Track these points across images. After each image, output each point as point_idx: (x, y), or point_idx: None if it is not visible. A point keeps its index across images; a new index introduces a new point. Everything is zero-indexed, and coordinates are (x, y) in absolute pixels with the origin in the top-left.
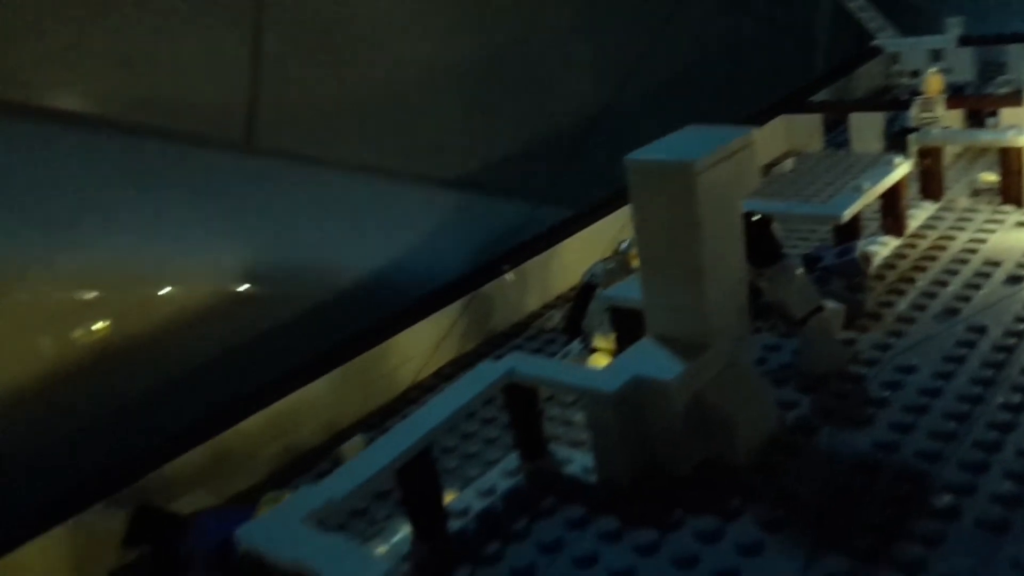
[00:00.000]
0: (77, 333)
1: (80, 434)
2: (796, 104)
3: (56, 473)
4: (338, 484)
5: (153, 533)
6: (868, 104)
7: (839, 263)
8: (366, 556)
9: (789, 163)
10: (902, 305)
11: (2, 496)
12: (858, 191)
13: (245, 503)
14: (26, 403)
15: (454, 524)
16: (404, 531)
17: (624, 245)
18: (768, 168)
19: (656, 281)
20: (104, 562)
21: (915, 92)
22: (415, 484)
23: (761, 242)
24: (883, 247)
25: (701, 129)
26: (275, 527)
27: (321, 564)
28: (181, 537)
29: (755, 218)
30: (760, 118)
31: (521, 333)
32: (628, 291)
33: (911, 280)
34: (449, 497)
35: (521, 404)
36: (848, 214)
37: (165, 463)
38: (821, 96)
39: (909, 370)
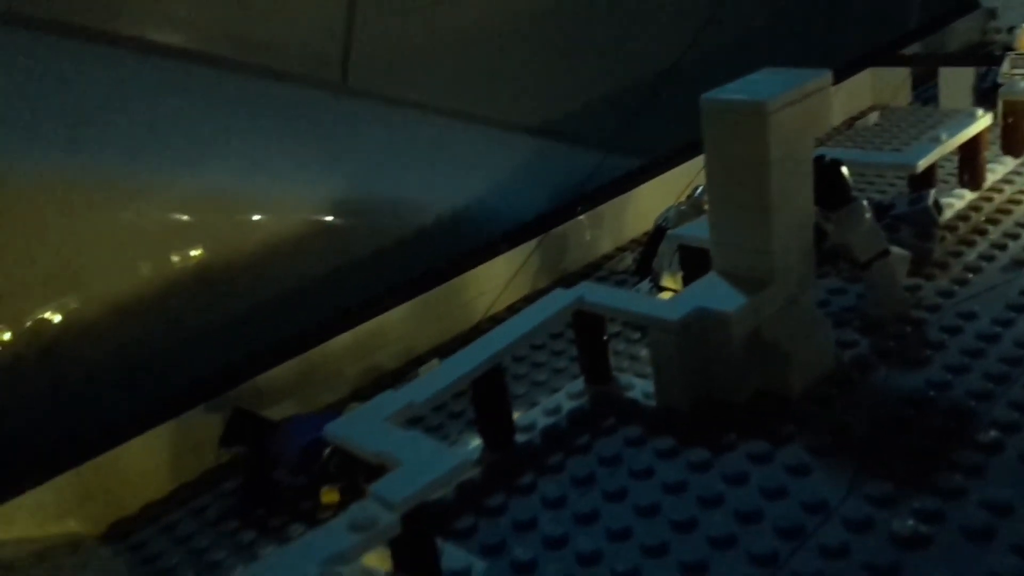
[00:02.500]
0: (180, 253)
1: (183, 345)
2: (885, 57)
3: (161, 378)
4: (417, 390)
5: (247, 435)
6: (959, 59)
7: (910, 211)
8: (443, 448)
9: (873, 116)
10: (971, 255)
11: (113, 396)
12: (935, 141)
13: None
14: (134, 315)
15: (521, 437)
16: (475, 443)
17: (699, 191)
18: (852, 121)
19: (724, 218)
20: (201, 459)
21: (1008, 48)
22: (487, 397)
23: (831, 185)
24: (959, 199)
25: (777, 71)
26: (360, 424)
27: (402, 455)
28: (272, 439)
29: (826, 161)
30: (847, 70)
31: (592, 273)
32: (696, 231)
33: (983, 232)
34: (517, 415)
35: (589, 331)
36: (923, 164)
37: (259, 374)
38: (912, 50)
39: (970, 316)
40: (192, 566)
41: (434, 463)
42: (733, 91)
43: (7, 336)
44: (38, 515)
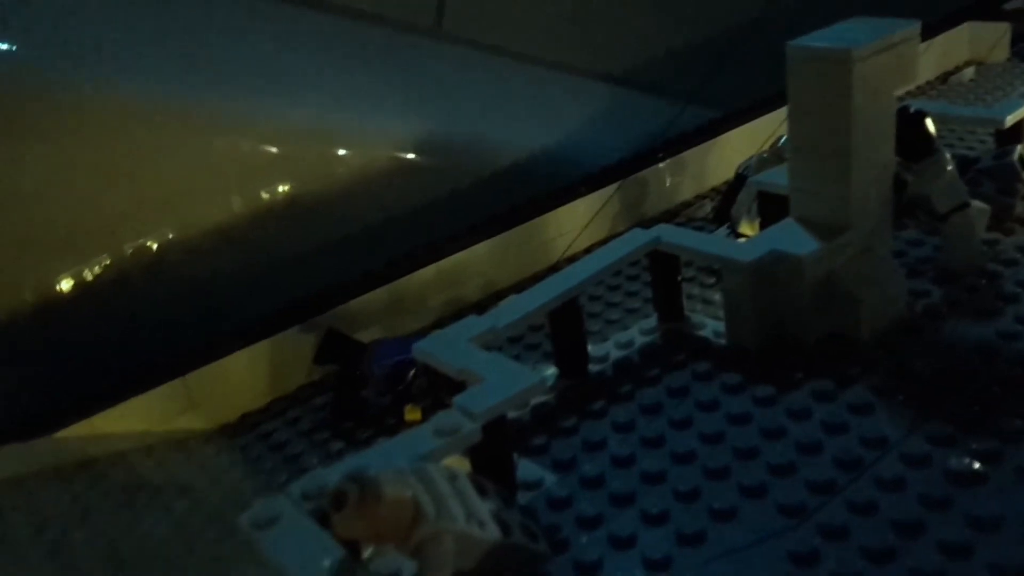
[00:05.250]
0: (271, 183)
1: (277, 270)
2: (984, 11)
3: (261, 300)
4: (500, 316)
5: (339, 354)
6: None
7: (993, 165)
8: (522, 368)
9: (969, 72)
10: None
11: (217, 315)
12: None
13: None
14: (230, 242)
15: (594, 367)
16: (551, 371)
17: (782, 140)
18: (947, 76)
19: (804, 165)
20: (296, 375)
21: None
22: (563, 326)
23: (913, 136)
24: None
25: (867, 20)
26: (445, 344)
27: (483, 372)
28: (361, 360)
29: (910, 111)
30: (944, 24)
31: (671, 220)
32: (776, 177)
33: None
34: (590, 347)
35: (664, 270)
36: (1011, 119)
37: (350, 300)
38: (1013, 4)
39: None
40: (286, 469)
41: (513, 380)
42: (819, 39)
43: (112, 258)
44: (148, 416)
